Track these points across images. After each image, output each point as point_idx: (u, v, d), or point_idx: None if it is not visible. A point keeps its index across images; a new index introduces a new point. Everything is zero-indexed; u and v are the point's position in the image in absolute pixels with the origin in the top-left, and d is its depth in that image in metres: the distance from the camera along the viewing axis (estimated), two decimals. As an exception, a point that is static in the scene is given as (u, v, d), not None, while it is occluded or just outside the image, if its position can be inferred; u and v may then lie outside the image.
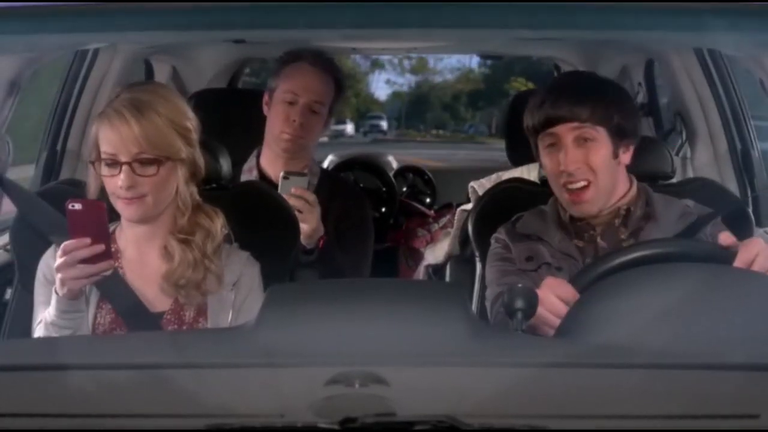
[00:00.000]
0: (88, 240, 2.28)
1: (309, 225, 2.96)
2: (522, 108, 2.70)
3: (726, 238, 2.28)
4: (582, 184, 2.55)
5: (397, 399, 1.41)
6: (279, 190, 2.95)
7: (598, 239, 2.59)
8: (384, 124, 28.18)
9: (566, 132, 2.54)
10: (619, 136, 2.57)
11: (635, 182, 2.66)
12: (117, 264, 2.41)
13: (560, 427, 1.39)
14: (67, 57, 3.85)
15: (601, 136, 2.54)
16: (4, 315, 2.76)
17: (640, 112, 3.27)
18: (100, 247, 2.29)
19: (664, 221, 2.59)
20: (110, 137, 2.33)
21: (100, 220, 2.30)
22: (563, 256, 2.58)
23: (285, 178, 3.02)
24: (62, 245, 2.30)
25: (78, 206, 2.28)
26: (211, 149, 2.63)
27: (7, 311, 2.75)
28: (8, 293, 2.89)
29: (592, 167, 2.54)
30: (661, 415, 1.45)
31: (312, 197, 3.01)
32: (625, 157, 2.61)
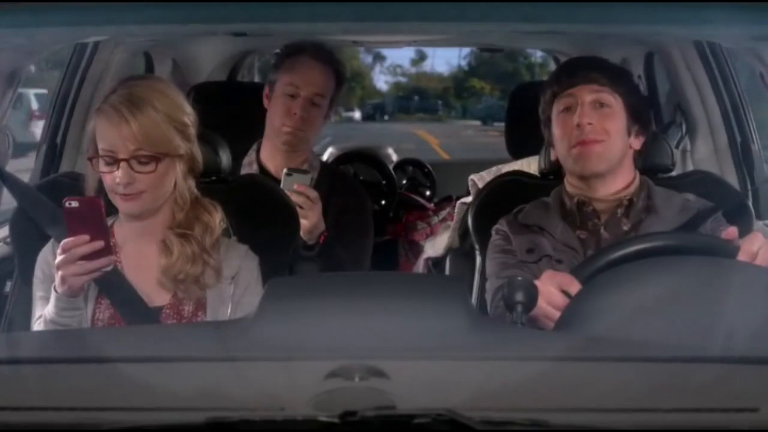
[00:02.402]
0: (87, 237, 2.28)
1: (310, 221, 2.96)
2: (522, 101, 2.72)
3: (729, 232, 2.28)
4: (593, 142, 2.59)
5: (396, 392, 1.41)
6: (281, 186, 2.94)
7: (602, 230, 2.60)
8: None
9: (585, 93, 2.60)
10: (633, 115, 2.64)
11: (638, 175, 2.67)
12: (115, 259, 2.41)
13: (560, 420, 1.39)
14: (67, 50, 3.85)
15: (618, 105, 2.61)
16: (4, 308, 2.76)
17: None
18: (99, 244, 2.28)
19: (665, 214, 2.60)
20: (108, 134, 2.33)
21: (98, 216, 2.30)
22: (564, 248, 2.58)
23: (288, 174, 3.01)
24: (61, 243, 2.30)
25: (75, 204, 2.28)
26: (211, 142, 2.63)
27: (7, 304, 2.75)
28: (8, 286, 2.89)
29: (606, 129, 2.59)
30: (660, 408, 1.45)
31: (314, 194, 3.00)
32: (636, 142, 2.66)
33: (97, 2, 1.94)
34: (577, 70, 2.66)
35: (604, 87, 2.60)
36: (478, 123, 31.80)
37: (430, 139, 23.03)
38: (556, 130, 2.66)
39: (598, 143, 2.58)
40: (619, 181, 2.64)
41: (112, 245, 2.37)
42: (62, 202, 2.29)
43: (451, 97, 41.29)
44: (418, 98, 39.93)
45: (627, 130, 2.62)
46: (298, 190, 2.96)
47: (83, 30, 2.42)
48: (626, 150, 2.64)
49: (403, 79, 41.67)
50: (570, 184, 2.69)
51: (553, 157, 2.74)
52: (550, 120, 2.69)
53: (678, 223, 2.57)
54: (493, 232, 2.71)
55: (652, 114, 2.78)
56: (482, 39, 5.37)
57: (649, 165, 2.76)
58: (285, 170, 3.03)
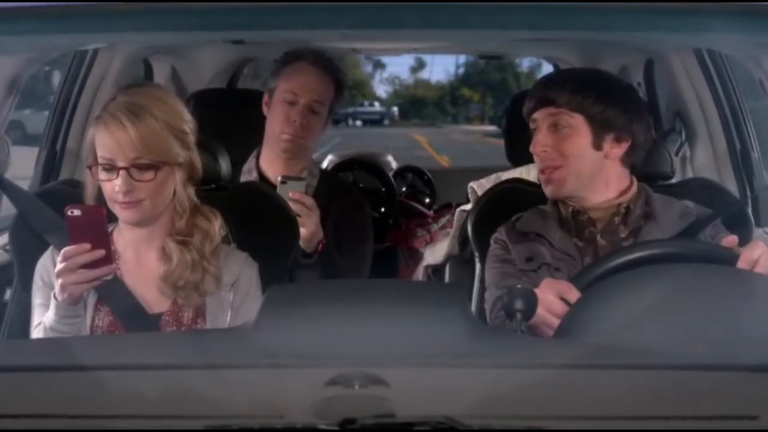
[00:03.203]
0: (88, 245, 2.28)
1: (308, 229, 2.96)
2: (521, 109, 2.71)
3: (729, 240, 2.28)
4: (550, 168, 2.60)
5: (396, 400, 1.41)
6: None
7: (598, 237, 2.60)
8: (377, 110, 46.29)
9: (543, 117, 2.61)
10: (603, 127, 2.58)
11: (635, 182, 2.66)
12: (115, 266, 2.41)
13: (559, 428, 1.39)
14: (66, 57, 3.85)
15: (577, 123, 2.58)
16: (3, 315, 2.76)
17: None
18: (100, 253, 2.28)
19: (664, 221, 2.59)
20: (107, 142, 2.32)
21: (100, 225, 2.30)
22: (563, 255, 2.58)
23: (283, 182, 3.01)
24: (62, 251, 2.30)
25: (77, 212, 2.28)
26: (211, 149, 2.63)
27: (7, 312, 2.75)
28: (7, 293, 2.89)
29: (563, 153, 2.58)
30: (660, 416, 1.45)
31: (310, 201, 3.00)
32: (614, 151, 2.60)
33: (97, 9, 1.94)
34: (536, 93, 2.65)
35: (560, 108, 2.58)
36: (465, 127, 41.09)
37: (422, 140, 30.42)
38: None
39: (556, 169, 2.59)
40: (609, 191, 2.61)
41: (111, 253, 2.37)
42: (64, 210, 2.29)
43: (447, 105, 49.76)
44: (415, 106, 49.11)
45: (594, 144, 2.58)
46: (294, 198, 2.96)
47: (83, 37, 2.43)
48: (600, 162, 2.59)
49: (400, 89, 51.42)
50: None
51: None
52: None
53: (677, 230, 2.56)
54: (491, 241, 2.71)
55: (640, 114, 2.69)
56: (482, 46, 5.37)
57: (649, 172, 2.76)
58: (279, 178, 3.04)
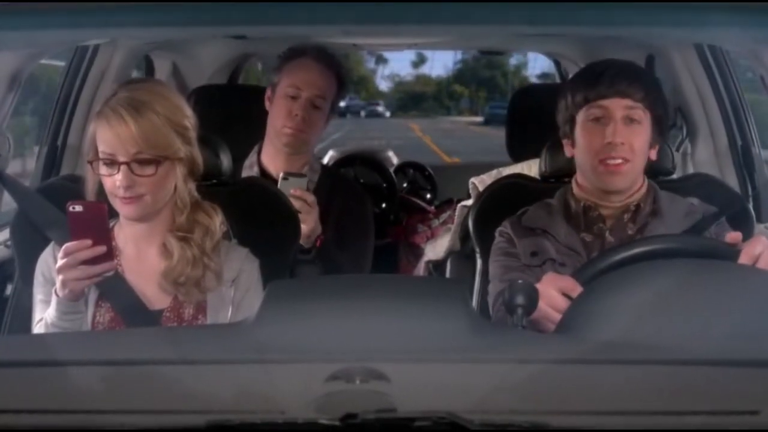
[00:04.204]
0: (89, 241, 2.28)
1: (308, 226, 2.95)
2: (523, 105, 2.71)
3: (732, 236, 2.28)
4: (620, 160, 2.55)
5: (397, 395, 1.41)
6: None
7: (607, 234, 2.59)
8: (380, 109, 51.74)
9: (618, 107, 2.55)
10: (657, 128, 2.61)
11: (646, 179, 2.66)
12: (116, 262, 2.41)
13: (560, 423, 1.39)
14: (67, 53, 3.85)
15: (646, 121, 2.58)
16: (4, 311, 2.76)
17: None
18: (101, 249, 2.28)
19: (670, 218, 2.59)
20: (108, 137, 2.32)
21: (101, 221, 2.30)
22: (568, 251, 2.58)
23: (284, 178, 3.01)
24: (63, 247, 2.30)
25: (79, 208, 2.28)
26: (212, 145, 2.63)
27: (8, 307, 2.75)
28: (9, 289, 2.89)
29: (633, 148, 2.56)
30: (661, 411, 1.45)
31: (311, 198, 3.00)
32: (653, 153, 2.64)
33: (98, 4, 1.93)
34: (615, 81, 2.57)
35: (637, 103, 2.55)
36: (454, 118, 50.33)
37: (415, 127, 37.34)
38: (582, 138, 2.61)
39: (626, 163, 2.55)
40: (630, 190, 2.62)
41: (113, 249, 2.37)
42: (66, 206, 2.29)
43: (444, 98, 58.06)
44: (414, 100, 57.54)
45: (650, 143, 2.60)
46: (295, 195, 2.96)
47: (84, 32, 2.43)
48: (645, 163, 2.62)
49: (400, 84, 59.61)
50: (579, 188, 2.67)
51: (568, 154, 2.69)
52: (574, 121, 2.63)
53: (683, 228, 2.57)
54: (496, 234, 2.71)
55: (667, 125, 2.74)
56: (483, 42, 5.37)
57: (650, 168, 2.76)
58: (281, 174, 3.04)
